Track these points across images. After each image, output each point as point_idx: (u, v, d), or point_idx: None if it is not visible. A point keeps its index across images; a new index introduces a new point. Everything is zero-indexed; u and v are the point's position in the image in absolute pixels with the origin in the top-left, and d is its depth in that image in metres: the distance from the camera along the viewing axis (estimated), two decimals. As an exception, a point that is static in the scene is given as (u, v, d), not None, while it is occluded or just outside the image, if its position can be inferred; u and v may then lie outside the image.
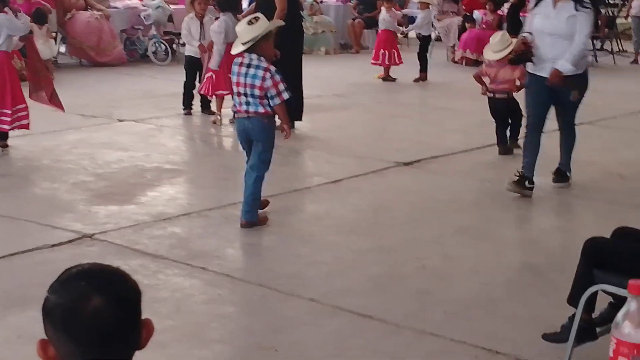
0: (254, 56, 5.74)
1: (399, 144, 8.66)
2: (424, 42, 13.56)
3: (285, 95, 5.77)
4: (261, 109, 5.75)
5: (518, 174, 6.75)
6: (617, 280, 3.42)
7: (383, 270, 5.19)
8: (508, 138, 8.35)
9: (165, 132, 9.22)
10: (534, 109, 6.83)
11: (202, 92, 9.73)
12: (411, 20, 18.43)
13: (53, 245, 5.44)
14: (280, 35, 6.56)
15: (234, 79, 5.82)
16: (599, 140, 9.28)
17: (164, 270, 5.08)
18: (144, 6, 14.68)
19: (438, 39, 16.95)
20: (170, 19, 14.76)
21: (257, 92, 5.71)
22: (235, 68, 5.83)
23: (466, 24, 15.72)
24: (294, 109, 9.06)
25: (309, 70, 10.66)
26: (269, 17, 6.45)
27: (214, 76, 9.39)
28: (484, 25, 15.34)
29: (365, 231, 6.00)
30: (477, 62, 15.19)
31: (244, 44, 5.74)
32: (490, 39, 8.40)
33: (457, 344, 4.17)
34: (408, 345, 4.17)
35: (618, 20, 17.98)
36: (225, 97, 9.56)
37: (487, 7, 15.39)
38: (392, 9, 13.76)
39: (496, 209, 6.58)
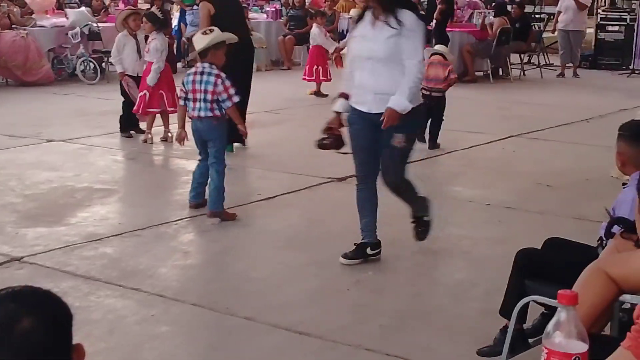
0: (206, 64, 6.39)
1: (333, 159, 8.66)
2: None
3: (236, 99, 6.40)
4: (210, 113, 6.37)
5: (356, 243, 5.60)
6: (549, 291, 3.44)
7: (318, 285, 5.18)
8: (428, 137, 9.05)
9: (96, 151, 9.08)
10: (359, 155, 5.49)
11: (134, 112, 9.60)
12: (342, 35, 18.55)
13: (-20, 269, 5.31)
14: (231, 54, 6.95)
15: (190, 86, 6.40)
16: (528, 151, 9.45)
17: (96, 292, 4.99)
18: (72, 25, 14.46)
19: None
20: (99, 37, 14.60)
21: (209, 96, 6.33)
22: (190, 77, 6.42)
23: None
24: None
25: (240, 86, 10.62)
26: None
27: (147, 94, 9.32)
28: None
29: (300, 246, 5.99)
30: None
31: (198, 52, 6.40)
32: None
33: (393, 358, 4.17)
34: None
35: (544, 34, 18.36)
36: (157, 115, 9.49)
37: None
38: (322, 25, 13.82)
39: (429, 221, 6.62)
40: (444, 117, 9.21)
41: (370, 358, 4.18)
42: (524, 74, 16.60)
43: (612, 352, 2.11)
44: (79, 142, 9.39)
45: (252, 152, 8.97)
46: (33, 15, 14.63)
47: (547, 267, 3.81)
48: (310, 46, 13.85)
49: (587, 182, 7.83)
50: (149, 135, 9.42)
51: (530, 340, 3.88)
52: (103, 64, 14.52)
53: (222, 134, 6.54)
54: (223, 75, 6.39)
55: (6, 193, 7.20)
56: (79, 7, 15.65)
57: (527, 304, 3.72)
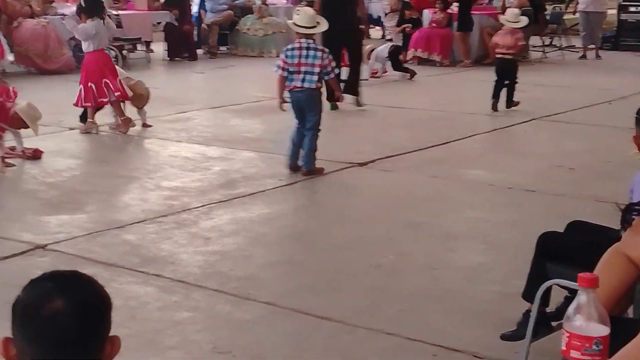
0: (310, 41, 7.20)
1: (353, 145, 8.67)
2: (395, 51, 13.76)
3: (337, 71, 7.50)
4: (313, 85, 7.15)
5: None
6: (571, 274, 3.42)
7: (337, 269, 5.19)
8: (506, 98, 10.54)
9: (115, 138, 9.12)
10: None
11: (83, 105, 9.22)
12: (372, 20, 18.50)
13: (5, 257, 5.34)
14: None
15: (295, 60, 7.10)
16: (549, 134, 9.40)
17: (117, 279, 5.02)
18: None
19: (390, 39, 17.01)
20: (120, 25, 14.63)
21: (316, 69, 7.10)
22: (295, 52, 7.14)
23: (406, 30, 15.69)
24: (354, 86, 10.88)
25: (261, 71, 10.66)
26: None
27: (93, 86, 9.04)
28: (433, 24, 15.43)
29: (319, 231, 6.00)
30: (428, 61, 15.28)
31: (308, 27, 7.22)
32: (507, 12, 11.20)
33: (413, 342, 4.17)
34: (363, 343, 4.17)
35: (566, 16, 18.21)
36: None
37: (436, 6, 15.47)
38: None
39: (447, 204, 6.62)
40: (517, 80, 10.48)
41: (389, 341, 4.19)
42: (545, 56, 16.49)
43: (634, 335, 2.10)
44: (99, 129, 9.41)
45: (274, 137, 8.95)
46: (53, 4, 14.67)
47: (569, 250, 3.78)
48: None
49: (608, 164, 7.78)
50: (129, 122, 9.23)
51: (554, 324, 3.86)
52: (124, 52, 14.56)
53: (320, 103, 7.36)
54: (326, 50, 7.28)
55: (28, 181, 7.25)
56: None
57: (550, 287, 3.71)
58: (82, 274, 1.76)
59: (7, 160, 7.62)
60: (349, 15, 10.63)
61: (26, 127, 7.79)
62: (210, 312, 4.63)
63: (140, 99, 9.41)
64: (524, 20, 10.55)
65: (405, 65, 14.05)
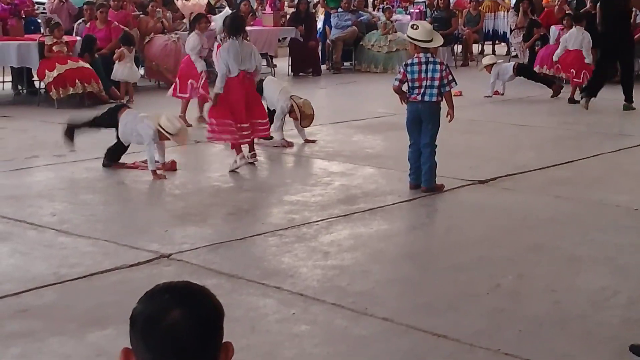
0: (428, 55, 7.24)
1: (474, 162, 8.61)
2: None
3: (453, 84, 7.30)
4: (434, 98, 7.19)
5: None
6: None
7: (456, 289, 5.16)
8: None
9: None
10: None
11: None
12: (487, 36, 18.39)
13: (131, 265, 5.55)
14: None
15: (415, 75, 7.17)
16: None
17: (238, 290, 5.14)
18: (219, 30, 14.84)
19: (515, 55, 16.84)
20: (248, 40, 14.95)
21: (436, 82, 7.14)
22: (415, 67, 7.19)
23: (535, 48, 15.54)
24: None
25: (384, 88, 10.71)
26: None
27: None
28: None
29: (438, 250, 5.98)
30: (554, 78, 15.00)
31: (426, 41, 7.20)
32: None
33: (532, 364, 4.12)
34: (481, 365, 4.14)
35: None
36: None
37: (564, 22, 15.18)
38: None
39: (571, 226, 6.48)
40: None
41: (509, 363, 4.14)
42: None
43: None
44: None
45: (393, 154, 8.97)
46: (184, 20, 15.13)
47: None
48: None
49: None
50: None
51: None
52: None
53: (439, 117, 7.31)
54: (444, 63, 7.49)
55: (160, 193, 7.49)
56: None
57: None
58: (194, 284, 1.83)
59: (158, 172, 7.93)
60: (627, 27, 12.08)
61: (167, 139, 8.03)
62: (327, 326, 4.68)
63: (308, 118, 9.60)
64: None
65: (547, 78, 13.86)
